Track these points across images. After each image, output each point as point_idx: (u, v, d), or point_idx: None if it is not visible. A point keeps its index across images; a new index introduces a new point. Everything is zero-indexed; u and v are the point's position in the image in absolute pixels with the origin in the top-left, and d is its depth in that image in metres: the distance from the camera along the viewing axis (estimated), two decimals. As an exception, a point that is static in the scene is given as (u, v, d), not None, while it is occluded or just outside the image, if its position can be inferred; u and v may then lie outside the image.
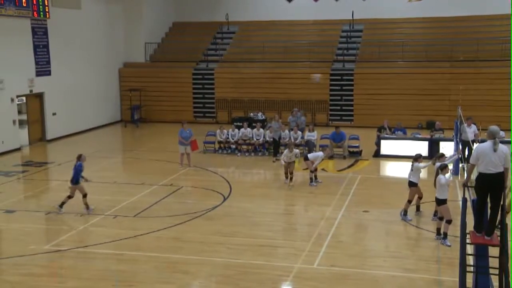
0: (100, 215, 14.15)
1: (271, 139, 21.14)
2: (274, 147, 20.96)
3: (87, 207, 14.31)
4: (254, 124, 22.61)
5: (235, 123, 23.68)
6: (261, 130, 21.77)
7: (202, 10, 32.96)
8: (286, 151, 17.02)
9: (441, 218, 12.15)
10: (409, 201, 13.63)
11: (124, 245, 12.16)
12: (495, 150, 8.16)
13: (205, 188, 16.71)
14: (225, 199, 15.53)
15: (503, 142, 8.92)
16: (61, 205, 14.31)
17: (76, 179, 14.18)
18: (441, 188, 11.78)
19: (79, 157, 14.41)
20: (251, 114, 25.98)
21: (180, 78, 30.10)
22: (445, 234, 11.82)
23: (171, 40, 32.79)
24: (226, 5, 32.57)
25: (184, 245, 12.08)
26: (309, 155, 17.21)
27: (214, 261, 11.24)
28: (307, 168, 17.05)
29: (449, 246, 11.61)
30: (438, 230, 12.11)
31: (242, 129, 21.93)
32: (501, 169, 8.14)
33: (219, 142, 22.00)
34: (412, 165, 13.45)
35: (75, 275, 10.64)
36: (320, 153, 17.38)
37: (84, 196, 14.31)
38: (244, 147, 21.67)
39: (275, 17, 31.54)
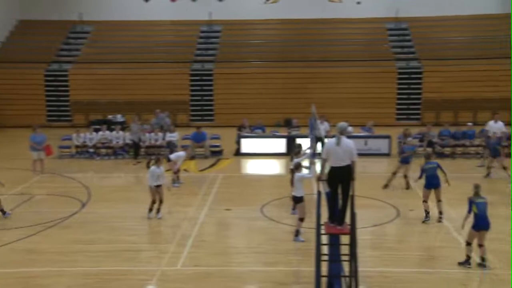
0: None
1: (131, 142, 20.66)
2: (134, 150, 20.50)
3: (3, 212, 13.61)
4: (113, 127, 21.94)
5: (93, 126, 22.82)
6: (121, 132, 21.18)
7: (52, 8, 31.04)
8: (153, 168, 13.68)
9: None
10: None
11: (-31, 262, 11.15)
12: (337, 144, 8.74)
13: (61, 195, 15.88)
14: (83, 206, 14.88)
15: (350, 137, 9.50)
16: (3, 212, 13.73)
17: None
18: (297, 186, 12.03)
19: None
20: (110, 116, 25.17)
21: (30, 80, 28.28)
22: (297, 232, 12.14)
23: (18, 39, 30.66)
24: (79, 3, 31.13)
25: (39, 257, 11.38)
26: (171, 156, 17.05)
27: (73, 270, 10.73)
28: (170, 169, 16.87)
29: (303, 241, 11.96)
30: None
31: (100, 132, 21.17)
32: (348, 162, 8.71)
33: (76, 146, 21.04)
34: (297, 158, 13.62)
35: None
36: (182, 153, 17.29)
37: None
38: (103, 150, 20.96)
39: (132, 17, 30.77)
